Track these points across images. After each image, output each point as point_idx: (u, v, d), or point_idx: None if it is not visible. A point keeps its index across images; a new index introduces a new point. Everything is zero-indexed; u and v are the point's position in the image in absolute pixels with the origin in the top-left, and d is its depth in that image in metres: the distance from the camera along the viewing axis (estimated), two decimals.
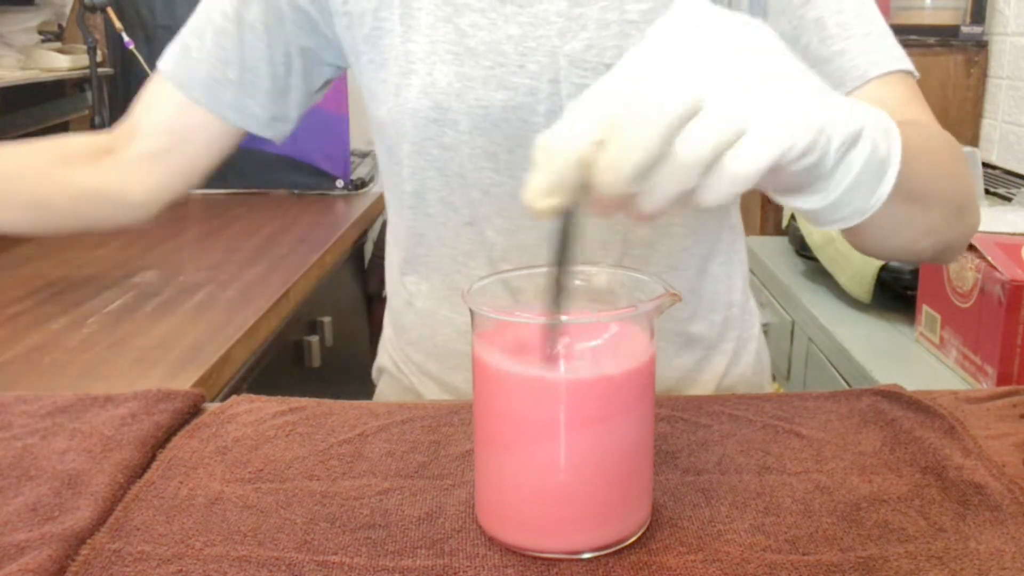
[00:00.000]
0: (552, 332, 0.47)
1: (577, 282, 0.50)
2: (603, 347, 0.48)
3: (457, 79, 0.76)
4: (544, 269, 0.52)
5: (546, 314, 0.46)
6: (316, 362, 1.48)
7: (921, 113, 0.73)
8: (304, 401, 0.66)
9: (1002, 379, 1.13)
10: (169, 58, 0.85)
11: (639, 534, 0.49)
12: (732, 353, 0.88)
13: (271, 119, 0.87)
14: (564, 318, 0.46)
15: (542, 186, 0.42)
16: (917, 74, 0.75)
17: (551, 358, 0.47)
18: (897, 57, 0.73)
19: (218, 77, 0.84)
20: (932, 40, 2.01)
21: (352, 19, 0.80)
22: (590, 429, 0.46)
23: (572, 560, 0.46)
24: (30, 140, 0.89)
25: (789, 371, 1.73)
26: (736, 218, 0.89)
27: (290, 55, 0.84)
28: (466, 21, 0.76)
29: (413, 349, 0.88)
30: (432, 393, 0.87)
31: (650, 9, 0.74)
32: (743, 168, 0.40)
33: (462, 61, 0.76)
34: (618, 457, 0.47)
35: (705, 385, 0.87)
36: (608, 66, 0.73)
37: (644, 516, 0.49)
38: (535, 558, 0.47)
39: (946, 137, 0.69)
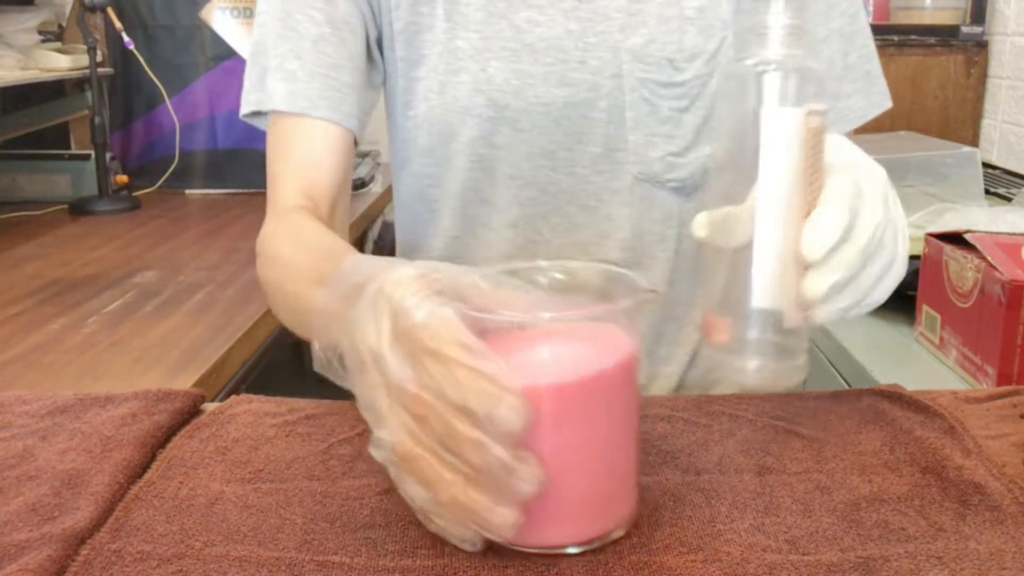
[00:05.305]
0: (532, 330, 0.46)
1: (559, 276, 0.50)
2: (583, 344, 0.48)
3: (515, 76, 0.76)
4: (544, 264, 0.52)
5: (526, 312, 0.46)
6: None
7: None
8: (304, 401, 0.66)
9: (1002, 379, 1.13)
10: (276, 93, 0.78)
11: (626, 528, 0.48)
12: None
13: (364, 115, 0.82)
14: (547, 316, 0.46)
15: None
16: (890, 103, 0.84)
17: (531, 357, 0.46)
18: (885, 94, 0.82)
19: (335, 86, 0.78)
20: (932, 40, 2.01)
21: (387, 13, 0.79)
22: (571, 426, 0.45)
23: (572, 559, 0.46)
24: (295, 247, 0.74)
25: None
26: None
27: (370, 47, 0.81)
28: (521, 17, 0.76)
29: None
30: None
31: (704, 6, 0.76)
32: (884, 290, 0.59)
33: (519, 58, 0.76)
34: (600, 452, 0.47)
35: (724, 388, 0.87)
36: (668, 60, 0.76)
37: (629, 510, 0.49)
38: (535, 558, 0.47)
39: None
